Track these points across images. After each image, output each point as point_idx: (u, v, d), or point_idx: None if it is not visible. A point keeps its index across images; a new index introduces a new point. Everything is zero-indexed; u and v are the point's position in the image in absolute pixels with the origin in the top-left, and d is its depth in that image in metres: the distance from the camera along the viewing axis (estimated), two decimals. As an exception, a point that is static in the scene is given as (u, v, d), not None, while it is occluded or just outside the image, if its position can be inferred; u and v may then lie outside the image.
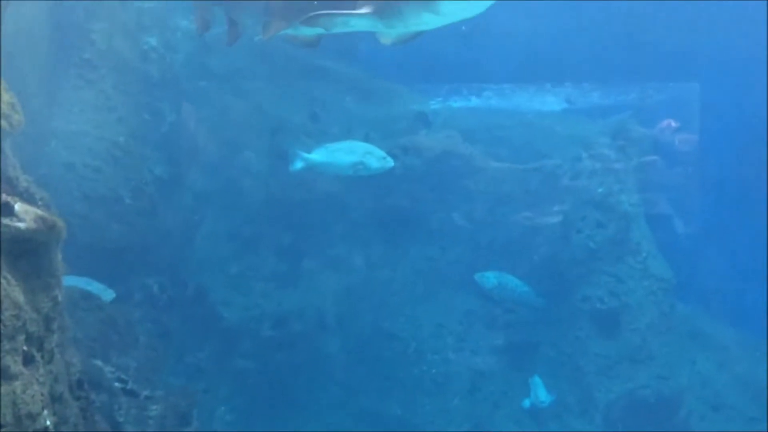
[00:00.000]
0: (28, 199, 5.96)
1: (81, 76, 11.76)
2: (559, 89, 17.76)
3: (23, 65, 10.09)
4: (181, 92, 13.83)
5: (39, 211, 5.22)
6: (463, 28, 6.83)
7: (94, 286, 10.25)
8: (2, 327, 4.52)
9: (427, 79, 16.88)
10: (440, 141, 14.89)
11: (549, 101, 17.77)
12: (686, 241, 16.13)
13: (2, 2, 6.24)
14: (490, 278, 14.12)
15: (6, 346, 4.55)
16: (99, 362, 9.22)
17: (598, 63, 16.11)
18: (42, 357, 5.11)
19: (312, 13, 5.87)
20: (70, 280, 7.89)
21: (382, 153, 12.75)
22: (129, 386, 9.29)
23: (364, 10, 5.80)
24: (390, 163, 12.74)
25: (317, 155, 12.77)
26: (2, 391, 4.45)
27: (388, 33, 6.36)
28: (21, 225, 4.94)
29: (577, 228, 14.10)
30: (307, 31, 6.71)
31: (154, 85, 13.07)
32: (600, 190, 14.10)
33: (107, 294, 10.47)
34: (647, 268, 14.03)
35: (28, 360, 4.87)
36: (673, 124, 15.98)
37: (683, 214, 16.10)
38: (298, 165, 12.81)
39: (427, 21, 5.66)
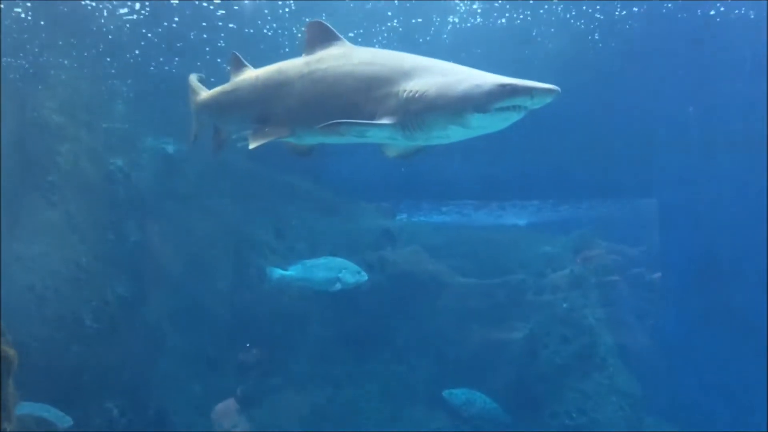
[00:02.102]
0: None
1: (45, 197, 11.79)
2: (522, 205, 18.08)
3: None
4: (146, 211, 13.86)
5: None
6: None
7: (52, 413, 9.96)
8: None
9: (391, 196, 17.10)
10: (405, 257, 14.97)
11: (511, 216, 18.04)
12: (652, 355, 16.11)
13: None
14: (458, 395, 13.95)
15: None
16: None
17: (559, 179, 16.49)
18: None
19: (332, 121, 5.59)
20: (25, 408, 7.69)
21: (357, 267, 12.83)
22: None
23: (386, 121, 5.54)
24: (364, 277, 12.81)
25: (294, 271, 12.75)
26: None
27: (396, 145, 6.17)
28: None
29: (543, 343, 14.09)
30: (308, 140, 6.49)
31: (119, 204, 13.13)
32: (564, 305, 14.18)
33: (64, 421, 10.16)
34: (614, 383, 13.98)
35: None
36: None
37: (647, 327, 16.15)
38: (275, 282, 12.75)
39: (452, 134, 5.51)
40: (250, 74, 6.88)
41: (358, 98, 5.73)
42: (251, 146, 6.36)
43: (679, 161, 16.48)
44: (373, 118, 5.60)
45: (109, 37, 13.44)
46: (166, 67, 14.98)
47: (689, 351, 16.34)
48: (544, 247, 15.24)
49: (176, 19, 12.72)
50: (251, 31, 13.15)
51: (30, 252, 11.37)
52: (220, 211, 14.95)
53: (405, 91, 5.52)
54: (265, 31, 13.23)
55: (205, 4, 12.25)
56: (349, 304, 14.19)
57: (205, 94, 7.39)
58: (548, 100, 5.16)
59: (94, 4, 12.32)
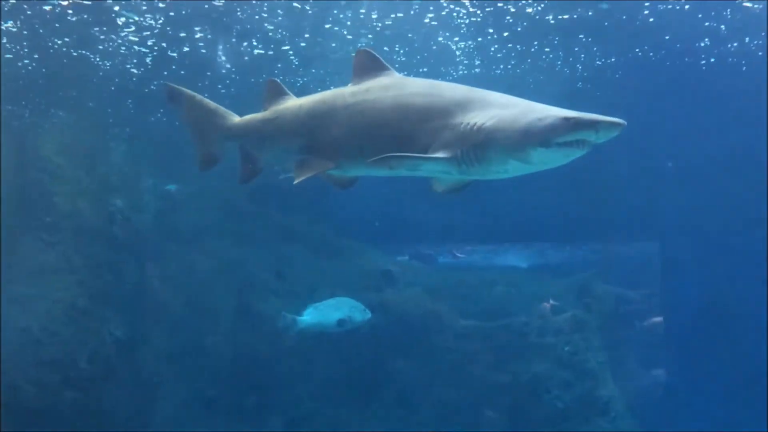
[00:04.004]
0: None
1: (42, 239, 11.78)
2: (525, 247, 18.05)
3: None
4: (145, 252, 13.84)
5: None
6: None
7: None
8: None
9: (393, 238, 17.08)
10: (406, 298, 14.88)
11: (513, 258, 17.98)
12: (655, 399, 15.94)
13: None
14: (458, 439, 13.78)
15: None
16: None
17: (562, 223, 16.48)
18: None
19: (386, 155, 5.30)
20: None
21: (362, 305, 12.83)
22: None
23: (442, 154, 5.26)
24: (368, 314, 12.81)
25: (308, 316, 12.68)
26: None
27: (446, 180, 5.86)
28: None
29: (545, 387, 13.91)
30: (353, 172, 6.19)
31: (118, 245, 13.10)
32: (566, 348, 14.02)
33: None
34: (617, 428, 13.77)
35: None
36: None
37: (650, 371, 15.99)
38: (291, 328, 12.66)
39: (511, 169, 5.22)
40: (293, 103, 6.55)
41: (410, 130, 5.49)
42: (296, 180, 6.07)
43: (680, 205, 16.48)
44: (426, 151, 5.35)
45: (112, 88, 13.71)
46: (165, 119, 15.20)
47: (692, 396, 16.14)
48: (547, 289, 15.14)
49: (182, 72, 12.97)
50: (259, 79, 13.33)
51: (26, 293, 11.33)
52: (221, 253, 14.91)
53: (462, 123, 5.27)
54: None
55: (203, 51, 12.41)
56: (350, 346, 14.09)
57: (237, 119, 6.88)
58: (614, 134, 4.94)
59: (98, 58, 12.55)
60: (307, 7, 11.16)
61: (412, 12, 11.38)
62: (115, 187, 13.41)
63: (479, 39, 12.46)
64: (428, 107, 5.50)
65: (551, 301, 14.52)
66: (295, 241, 15.49)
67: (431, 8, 11.30)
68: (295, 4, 11.10)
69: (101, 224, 12.81)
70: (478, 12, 11.48)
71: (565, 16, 11.72)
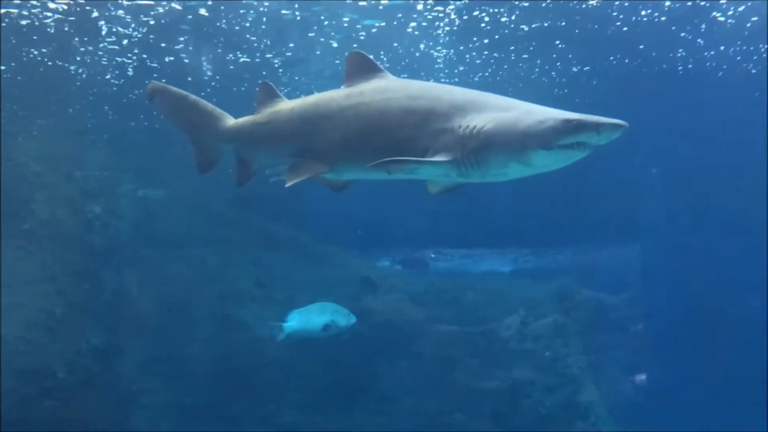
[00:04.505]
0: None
1: (20, 247, 11.64)
2: (505, 252, 18.07)
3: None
4: (124, 259, 13.72)
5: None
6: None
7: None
8: None
9: (373, 245, 17.06)
10: (387, 305, 14.83)
11: (494, 264, 18.00)
12: (636, 404, 16.01)
13: None
14: (440, 445, 13.76)
15: None
16: None
17: (543, 228, 16.53)
18: None
19: (387, 159, 5.23)
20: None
21: (346, 310, 12.83)
22: None
23: (442, 158, 5.20)
24: (353, 319, 12.78)
25: (293, 322, 12.61)
26: None
27: (442, 182, 5.81)
28: None
29: (526, 393, 13.92)
30: (348, 176, 6.12)
31: (97, 253, 12.96)
32: (547, 353, 14.04)
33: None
34: (598, 433, 13.81)
35: None
36: None
37: (631, 376, 16.05)
38: (281, 336, 12.58)
39: (511, 172, 5.19)
40: (285, 105, 6.45)
41: (408, 133, 5.42)
42: (288, 183, 5.97)
43: (661, 208, 16.61)
44: (425, 155, 5.30)
45: (90, 97, 13.64)
46: (146, 123, 15.14)
47: (673, 400, 16.21)
48: (528, 294, 15.16)
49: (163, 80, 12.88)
50: (243, 88, 13.32)
51: (3, 302, 11.16)
52: (200, 260, 14.80)
53: (462, 126, 5.21)
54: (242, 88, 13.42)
55: (186, 61, 12.39)
56: (331, 353, 14.02)
57: (231, 122, 6.77)
58: (615, 135, 4.90)
59: (73, 68, 12.50)
60: (285, 11, 11.15)
61: (395, 23, 11.44)
62: (93, 194, 13.26)
63: (461, 48, 12.53)
64: (426, 110, 5.44)
65: (522, 312, 14.51)
66: (275, 248, 15.41)
67: (414, 16, 11.36)
68: (284, 12, 11.12)
69: (79, 232, 12.66)
70: (456, 20, 11.54)
71: (538, 25, 11.83)
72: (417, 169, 5.37)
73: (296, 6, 10.98)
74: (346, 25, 11.50)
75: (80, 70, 12.62)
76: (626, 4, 11.24)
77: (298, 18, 11.26)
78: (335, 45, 11.99)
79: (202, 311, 14.34)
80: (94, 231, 13.00)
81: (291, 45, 12.17)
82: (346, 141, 5.77)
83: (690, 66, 13.54)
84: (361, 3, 10.96)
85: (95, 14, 10.90)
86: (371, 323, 14.46)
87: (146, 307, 14.03)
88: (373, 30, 11.59)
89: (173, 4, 10.71)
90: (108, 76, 12.89)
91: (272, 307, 14.08)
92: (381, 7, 11.00)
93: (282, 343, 12.99)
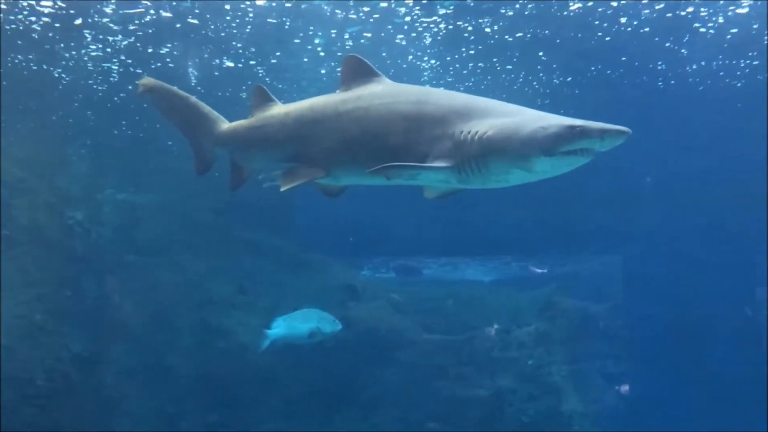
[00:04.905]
0: None
1: (0, 252, 11.53)
2: (488, 261, 18.11)
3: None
4: (106, 266, 13.63)
5: None
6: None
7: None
8: None
9: (357, 252, 17.04)
10: (371, 313, 14.82)
11: (477, 272, 18.03)
12: (618, 412, 16.04)
13: None
14: (422, 453, 13.73)
15: None
16: None
17: (525, 236, 16.56)
18: None
19: (388, 164, 5.16)
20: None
21: (331, 317, 12.78)
22: None
23: (443, 163, 5.13)
24: (339, 325, 12.73)
25: (278, 329, 12.56)
26: None
27: (439, 188, 5.74)
28: None
29: (509, 401, 13.93)
30: (345, 181, 6.02)
31: (78, 259, 12.87)
32: (530, 362, 14.06)
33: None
34: (581, 442, 13.84)
35: None
36: None
37: (613, 384, 16.09)
38: (266, 343, 12.51)
39: (513, 178, 5.13)
40: (279, 110, 6.35)
41: (407, 138, 5.35)
42: (284, 188, 5.86)
43: (644, 218, 16.69)
44: (424, 160, 5.22)
45: (75, 104, 13.58)
46: (130, 132, 15.08)
47: (655, 409, 16.26)
48: (511, 303, 15.22)
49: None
50: (226, 93, 13.28)
51: (-18, 309, 11.06)
52: (183, 266, 14.73)
53: (463, 132, 5.14)
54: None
55: (171, 66, 12.35)
56: (314, 361, 13.98)
57: (226, 125, 6.70)
58: (619, 142, 4.88)
59: (57, 72, 12.44)
60: (273, 19, 11.15)
61: (383, 34, 11.46)
62: (74, 200, 13.17)
63: (447, 58, 12.56)
64: (425, 115, 5.38)
65: (495, 326, 14.51)
66: (258, 255, 15.37)
67: (405, 27, 11.39)
68: (270, 21, 11.11)
69: (60, 237, 12.57)
70: (442, 31, 11.59)
71: (521, 35, 11.89)
72: (417, 174, 5.31)
73: (284, 13, 10.98)
74: (333, 35, 11.53)
75: (64, 75, 12.55)
76: (609, 12, 11.28)
77: (287, 26, 11.26)
78: (322, 53, 12.00)
79: (184, 318, 14.27)
80: (75, 237, 12.89)
81: (277, 54, 12.15)
82: (344, 146, 5.69)
83: (670, 76, 13.60)
84: (351, 15, 10.99)
85: (79, 21, 10.88)
86: (355, 330, 14.42)
87: (128, 314, 13.94)
88: (361, 41, 11.59)
89: (161, 12, 10.71)
90: (91, 81, 12.82)
91: (255, 315, 14.02)
92: (364, 15, 11.00)
93: (267, 350, 12.93)
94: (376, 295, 15.36)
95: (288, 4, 10.74)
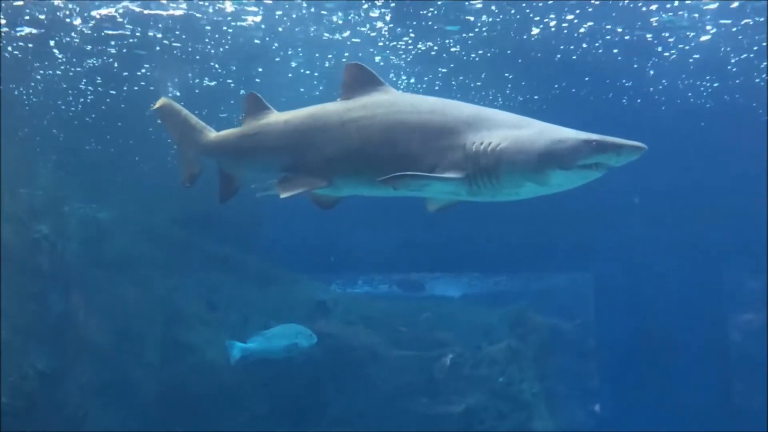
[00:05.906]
0: None
1: (-37, 267, 11.27)
2: (459, 277, 18.11)
3: None
4: (71, 281, 13.39)
5: None
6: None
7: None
8: None
9: (327, 268, 16.94)
10: (341, 329, 14.72)
11: (448, 288, 18.02)
12: (588, 429, 16.12)
13: None
14: (392, 472, 13.62)
15: None
16: None
17: (495, 252, 16.59)
18: None
19: (398, 174, 5.01)
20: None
21: (309, 331, 12.72)
22: None
23: (453, 175, 5.02)
24: (314, 339, 12.70)
25: (254, 343, 12.43)
26: None
27: (442, 199, 5.64)
28: None
29: (480, 418, 13.88)
30: (346, 192, 5.83)
31: (43, 274, 12.62)
32: (501, 379, 14.04)
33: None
34: (551, 460, 13.84)
35: None
36: None
37: (584, 401, 16.15)
38: (237, 355, 12.33)
39: (524, 191, 5.08)
40: (277, 118, 6.15)
41: (415, 149, 5.20)
42: (282, 196, 5.67)
43: (615, 235, 16.81)
44: (433, 171, 5.10)
45: (44, 122, 13.46)
46: (100, 147, 14.93)
47: (626, 425, 16.32)
48: (481, 319, 15.18)
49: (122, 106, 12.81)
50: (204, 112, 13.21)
51: (-55, 325, 10.77)
52: (150, 281, 14.53)
53: (474, 143, 5.04)
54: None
55: (143, 83, 12.28)
56: (283, 378, 13.87)
57: (214, 135, 6.54)
58: (634, 157, 4.84)
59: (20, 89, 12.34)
60: (257, 41, 11.14)
61: (360, 54, 11.49)
62: (40, 214, 12.90)
63: (426, 78, 12.65)
64: (434, 125, 5.26)
65: (450, 356, 14.44)
66: (226, 271, 15.21)
67: (380, 44, 11.49)
68: (256, 41, 11.09)
69: (25, 252, 12.30)
70: (412, 50, 11.68)
71: (483, 52, 11.97)
72: (426, 185, 5.19)
73: (267, 33, 11.00)
74: (317, 55, 11.57)
75: (31, 94, 12.47)
76: (565, 32, 11.41)
77: (274, 47, 11.29)
78: (307, 72, 12.03)
79: (150, 334, 14.08)
80: (40, 251, 12.62)
81: (260, 69, 12.10)
82: (347, 155, 5.53)
83: (639, 101, 13.76)
84: (334, 36, 11.03)
85: (52, 43, 10.90)
86: (324, 347, 14.27)
87: (93, 330, 13.71)
88: (343, 60, 11.60)
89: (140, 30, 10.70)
90: (58, 101, 12.77)
91: (224, 330, 13.87)
92: (346, 38, 11.11)
93: (239, 365, 12.78)
94: (347, 311, 15.25)
95: (264, 26, 10.75)
